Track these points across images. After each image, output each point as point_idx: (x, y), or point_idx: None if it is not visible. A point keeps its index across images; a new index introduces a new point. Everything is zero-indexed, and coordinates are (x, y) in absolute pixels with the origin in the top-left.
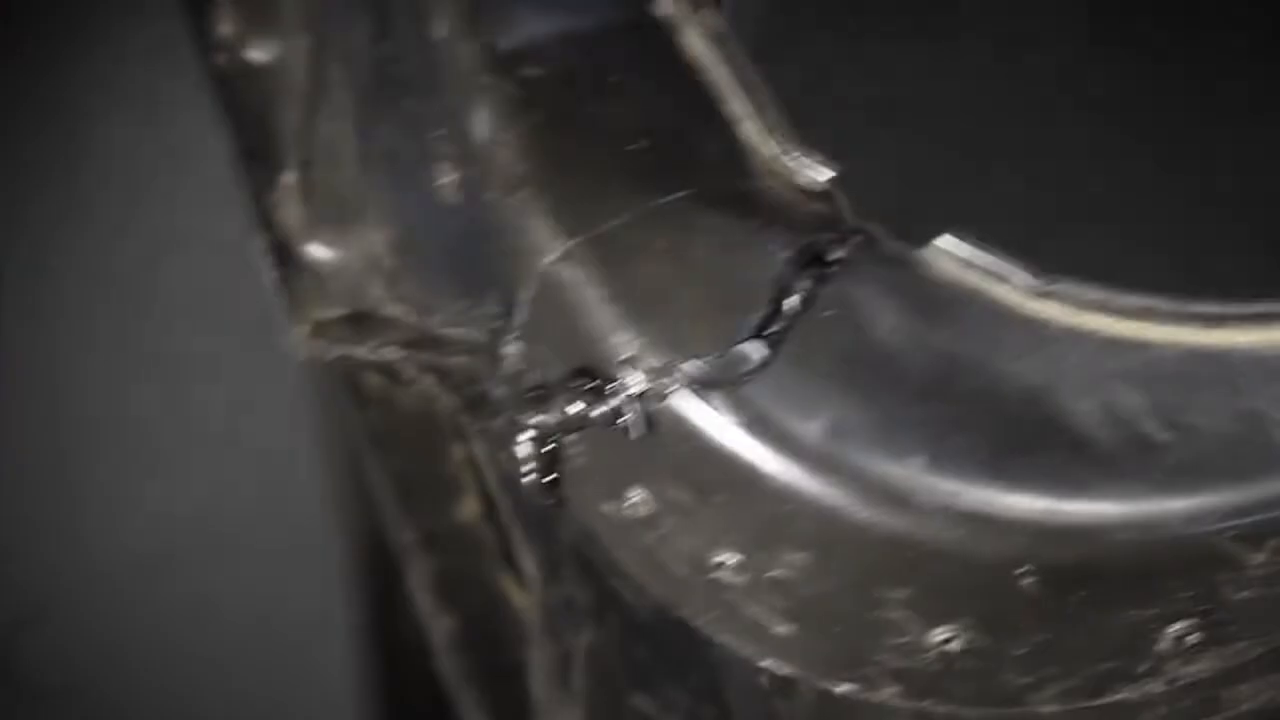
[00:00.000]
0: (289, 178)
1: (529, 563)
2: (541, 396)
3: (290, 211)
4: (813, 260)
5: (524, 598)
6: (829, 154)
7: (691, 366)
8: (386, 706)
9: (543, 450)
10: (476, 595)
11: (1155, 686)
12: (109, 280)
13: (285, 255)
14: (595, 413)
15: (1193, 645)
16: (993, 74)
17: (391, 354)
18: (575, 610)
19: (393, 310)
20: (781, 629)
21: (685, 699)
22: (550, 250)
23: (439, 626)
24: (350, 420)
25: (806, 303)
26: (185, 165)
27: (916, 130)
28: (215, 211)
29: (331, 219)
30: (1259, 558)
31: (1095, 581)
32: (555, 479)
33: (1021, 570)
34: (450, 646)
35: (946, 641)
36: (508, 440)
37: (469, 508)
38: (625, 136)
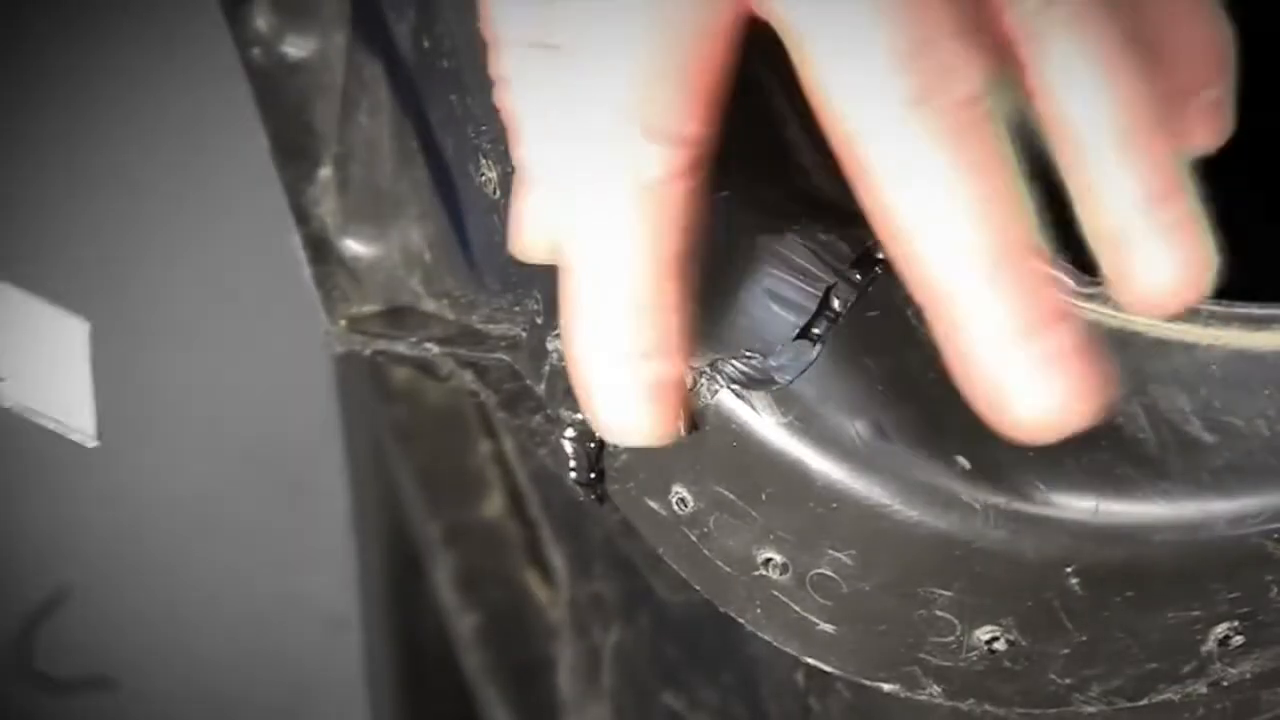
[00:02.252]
0: (326, 173)
1: (557, 559)
2: None
3: (327, 206)
4: (858, 259)
5: (550, 594)
6: None
7: (736, 365)
8: (408, 702)
9: (586, 447)
10: (501, 591)
11: (1198, 687)
12: (138, 274)
13: (322, 250)
14: None
15: (1237, 647)
16: None
17: (430, 349)
18: (604, 607)
19: (431, 306)
20: (826, 627)
21: (716, 697)
22: None
23: (463, 622)
24: (376, 414)
25: (853, 302)
26: (222, 160)
27: None
28: (252, 206)
29: (369, 214)
30: None
31: (1140, 582)
32: (598, 475)
33: (1067, 570)
34: (474, 642)
35: (991, 641)
36: (547, 437)
37: (494, 503)
38: None
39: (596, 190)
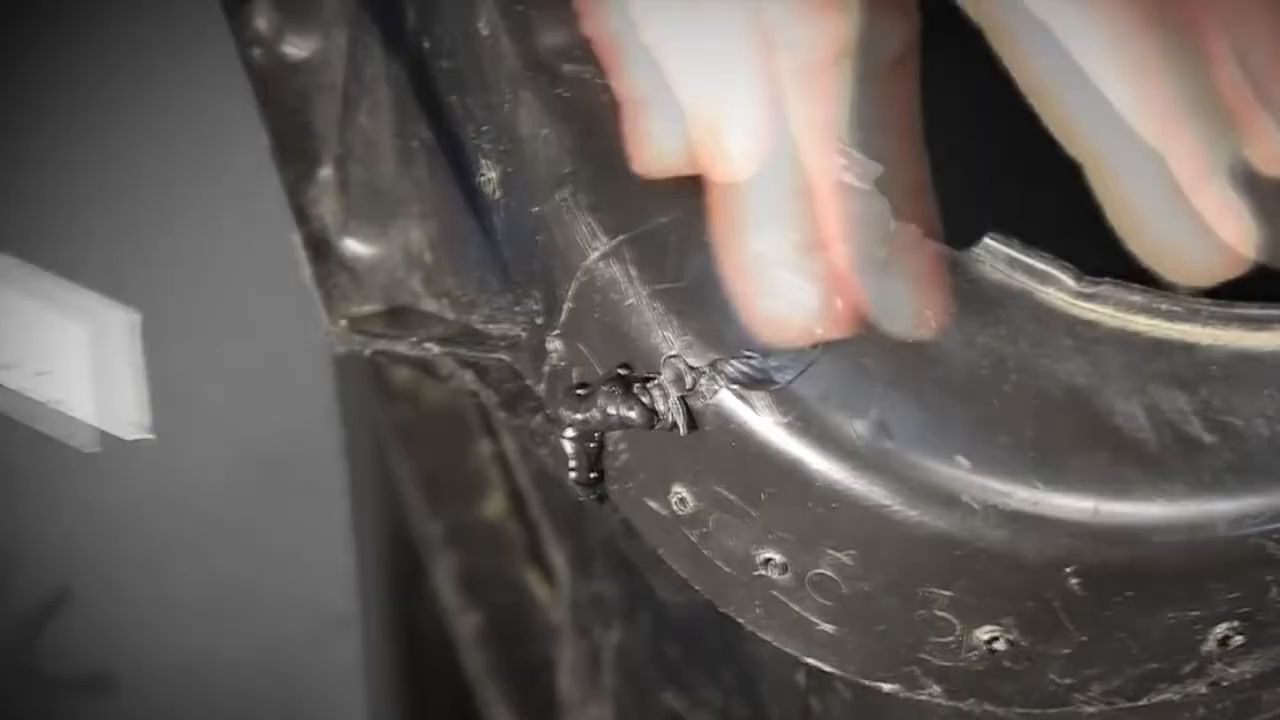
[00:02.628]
0: (326, 173)
1: (558, 559)
2: (584, 394)
3: (327, 206)
4: None
5: (550, 594)
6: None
7: (736, 365)
8: (409, 702)
9: (586, 447)
10: (502, 591)
11: (1199, 687)
12: (138, 273)
13: (322, 250)
14: (637, 411)
15: (1237, 647)
16: None
17: (430, 349)
18: (605, 607)
19: (431, 306)
20: (826, 627)
21: (717, 697)
22: (593, 248)
23: (464, 622)
24: (376, 414)
25: None
26: (221, 160)
27: (948, 129)
28: (251, 206)
29: (369, 214)
30: None
31: (1140, 582)
32: (598, 476)
33: (1067, 570)
34: (475, 642)
35: (991, 641)
36: (547, 437)
37: (495, 504)
38: None
39: (752, 83)
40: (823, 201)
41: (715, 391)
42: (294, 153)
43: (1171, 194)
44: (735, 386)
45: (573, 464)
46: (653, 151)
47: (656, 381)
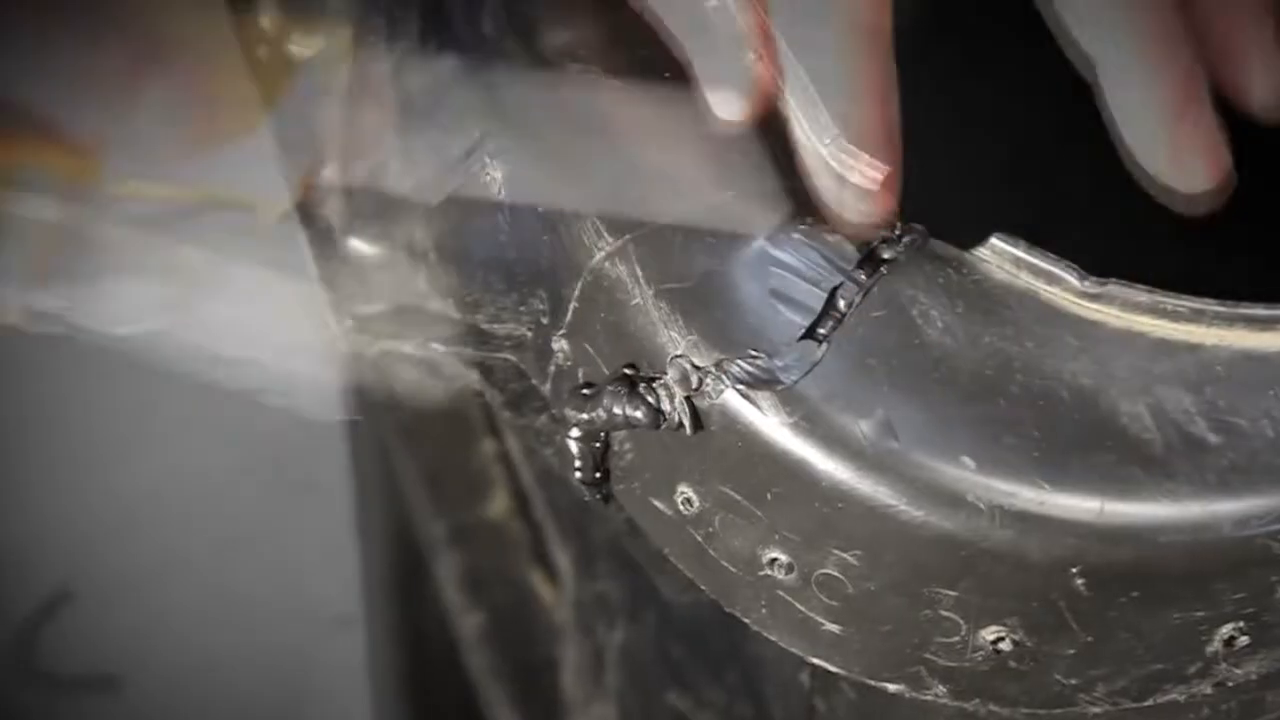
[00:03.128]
0: (331, 172)
1: (562, 559)
2: (590, 394)
3: (333, 206)
4: (865, 259)
5: (554, 594)
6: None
7: (742, 364)
8: (412, 702)
9: (591, 447)
10: (506, 591)
11: (1203, 688)
12: None
13: (327, 249)
14: (643, 410)
15: (1242, 647)
16: (1026, 70)
17: (436, 349)
18: (609, 607)
19: (437, 305)
20: (832, 627)
21: (721, 696)
22: (598, 248)
23: (467, 622)
24: (380, 413)
25: (858, 302)
26: (224, 159)
27: (951, 130)
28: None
29: (374, 214)
30: None
31: (1146, 583)
32: (603, 475)
33: (1072, 571)
34: (478, 642)
35: (996, 641)
36: (552, 437)
37: (499, 503)
38: None
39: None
40: (870, 101)
41: (721, 391)
42: (300, 152)
43: (1165, 110)
44: (741, 386)
45: (578, 463)
46: (727, 101)
47: (662, 381)
